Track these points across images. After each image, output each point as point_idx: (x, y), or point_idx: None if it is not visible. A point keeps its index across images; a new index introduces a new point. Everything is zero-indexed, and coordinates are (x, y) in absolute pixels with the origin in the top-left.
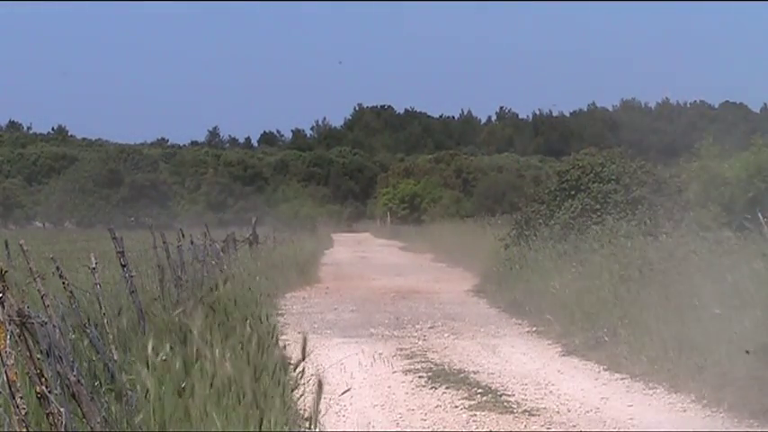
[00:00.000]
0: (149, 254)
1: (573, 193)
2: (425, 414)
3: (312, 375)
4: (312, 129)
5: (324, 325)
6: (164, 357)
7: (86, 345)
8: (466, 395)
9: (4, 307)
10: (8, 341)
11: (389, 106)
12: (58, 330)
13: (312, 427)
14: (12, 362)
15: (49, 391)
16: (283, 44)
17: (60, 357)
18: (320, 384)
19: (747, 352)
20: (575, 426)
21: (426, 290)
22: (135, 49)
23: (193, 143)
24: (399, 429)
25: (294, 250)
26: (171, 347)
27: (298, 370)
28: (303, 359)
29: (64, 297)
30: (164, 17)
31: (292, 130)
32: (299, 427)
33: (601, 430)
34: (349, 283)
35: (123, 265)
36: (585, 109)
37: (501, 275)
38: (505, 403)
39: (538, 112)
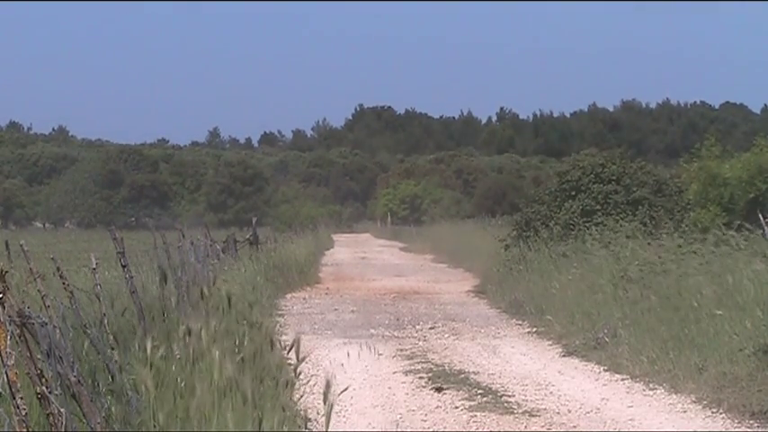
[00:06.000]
0: (150, 254)
1: (573, 193)
2: (426, 415)
3: (312, 376)
4: (312, 129)
5: (324, 326)
6: (163, 357)
7: (87, 345)
8: (466, 396)
9: (4, 307)
10: (9, 341)
11: (390, 107)
12: (58, 331)
13: (325, 427)
14: (12, 362)
15: (50, 392)
16: (284, 44)
17: (61, 358)
18: (328, 385)
19: (741, 350)
20: (575, 426)
21: (427, 290)
22: (136, 50)
23: (194, 143)
24: (399, 430)
25: (294, 251)
26: (171, 348)
27: (297, 371)
28: (298, 361)
29: (64, 297)
30: (164, 17)
31: (293, 131)
32: (299, 427)
33: (601, 431)
34: (349, 284)
35: (124, 266)
36: (586, 109)
37: (501, 276)
38: (506, 404)
39: (538, 113)
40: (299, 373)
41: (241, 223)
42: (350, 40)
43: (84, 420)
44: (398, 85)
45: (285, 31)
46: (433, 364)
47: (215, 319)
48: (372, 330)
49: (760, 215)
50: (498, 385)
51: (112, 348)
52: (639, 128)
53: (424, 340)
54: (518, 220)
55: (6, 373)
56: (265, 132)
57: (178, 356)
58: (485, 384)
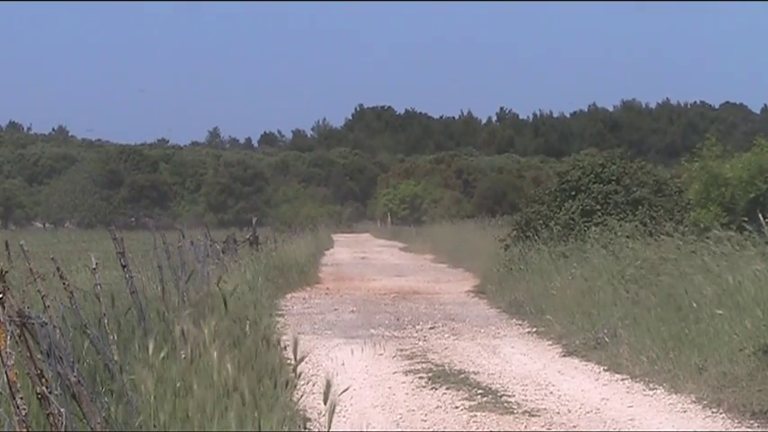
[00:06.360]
0: (150, 254)
1: (573, 193)
2: (426, 415)
3: (312, 376)
4: (313, 129)
5: (324, 326)
6: (163, 357)
7: (87, 345)
8: (466, 396)
9: (4, 307)
10: (9, 342)
11: (390, 107)
12: (58, 331)
13: (327, 427)
14: (12, 362)
15: (50, 392)
16: (284, 44)
17: (61, 358)
18: (329, 385)
19: (741, 349)
20: (575, 426)
21: (427, 290)
22: (135, 50)
23: (194, 143)
24: (400, 430)
25: (294, 251)
26: (171, 348)
27: (297, 371)
28: (296, 361)
29: (64, 297)
30: (164, 17)
31: (293, 131)
32: (299, 427)
33: (601, 431)
34: (349, 284)
35: (124, 266)
36: (586, 109)
37: (501, 276)
38: (506, 404)
39: (538, 113)
40: (299, 374)
41: (241, 223)
42: (350, 40)
43: (84, 420)
44: (398, 85)
45: (285, 31)
46: (433, 364)
47: (215, 318)
48: (372, 330)
49: (760, 215)
50: (498, 385)
51: (112, 348)
52: (639, 128)
53: (424, 340)
54: (518, 220)
55: (6, 373)
56: (265, 132)
57: (183, 356)
58: (485, 384)
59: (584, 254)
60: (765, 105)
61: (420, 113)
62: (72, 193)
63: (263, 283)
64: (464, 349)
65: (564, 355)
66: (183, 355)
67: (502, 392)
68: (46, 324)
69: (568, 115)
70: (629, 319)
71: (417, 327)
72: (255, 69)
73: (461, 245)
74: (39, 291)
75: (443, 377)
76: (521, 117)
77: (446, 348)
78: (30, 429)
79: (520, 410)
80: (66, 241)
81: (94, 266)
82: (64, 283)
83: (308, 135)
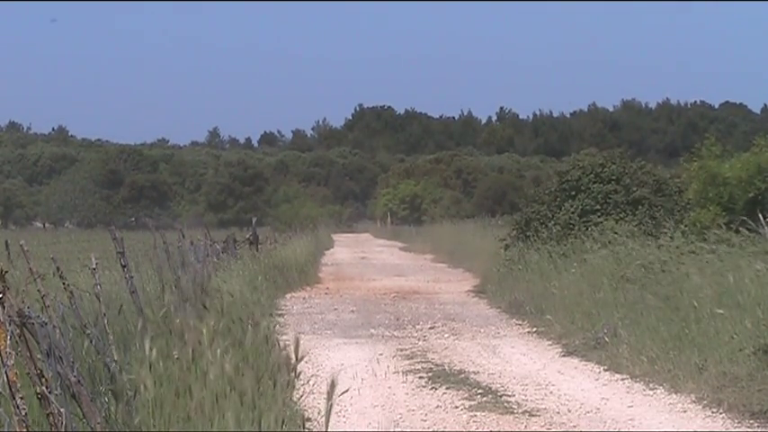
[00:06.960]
0: (150, 254)
1: (573, 193)
2: (426, 414)
3: (312, 376)
4: (313, 129)
5: (324, 325)
6: (162, 357)
7: (86, 345)
8: (466, 396)
9: (4, 307)
10: (8, 342)
11: (390, 107)
12: (58, 331)
13: (325, 427)
14: (12, 362)
15: (50, 392)
16: (284, 44)
17: (60, 358)
18: (333, 384)
19: (741, 349)
20: (575, 426)
21: (426, 290)
22: (135, 49)
23: (194, 143)
24: (399, 430)
25: (294, 251)
26: (170, 348)
27: (297, 371)
28: (296, 360)
29: (64, 298)
30: (164, 17)
31: (293, 131)
32: (299, 427)
33: (601, 431)
34: (349, 284)
35: (123, 266)
36: (586, 109)
37: (501, 276)
38: (506, 404)
39: (538, 113)
40: (299, 374)
41: (241, 223)
42: (350, 40)
43: (84, 420)
44: (398, 85)
45: (285, 31)
46: (432, 363)
47: (214, 318)
48: (372, 330)
49: (760, 215)
50: (498, 385)
51: (112, 348)
52: (639, 128)
53: (424, 340)
54: (518, 220)
55: (6, 373)
56: (265, 132)
57: (177, 357)
58: (485, 384)
59: (584, 254)
60: (765, 105)
61: (420, 113)
62: (72, 193)
63: (263, 282)
64: (464, 349)
65: (564, 355)
66: (176, 356)
67: (502, 392)
68: (46, 324)
69: (568, 115)
70: (629, 319)
71: (417, 326)
72: (255, 69)
73: (461, 245)
74: (39, 291)
75: (443, 377)
76: (521, 117)
77: (446, 348)
78: (30, 429)
79: (520, 410)
80: (66, 241)
81: (94, 266)
82: (64, 283)
83: (308, 135)
